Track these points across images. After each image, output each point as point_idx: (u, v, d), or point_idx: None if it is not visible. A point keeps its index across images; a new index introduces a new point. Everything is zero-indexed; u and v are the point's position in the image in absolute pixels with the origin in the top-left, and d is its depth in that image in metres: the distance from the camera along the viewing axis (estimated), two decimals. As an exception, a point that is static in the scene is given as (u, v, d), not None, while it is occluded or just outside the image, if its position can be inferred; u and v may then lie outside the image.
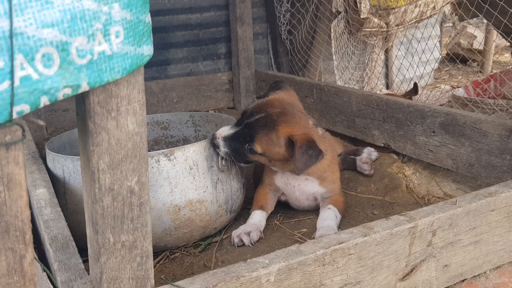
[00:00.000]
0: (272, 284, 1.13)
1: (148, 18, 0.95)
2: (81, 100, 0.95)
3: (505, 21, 2.08)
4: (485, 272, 1.48)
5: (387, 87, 4.39)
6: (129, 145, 0.98)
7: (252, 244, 1.70)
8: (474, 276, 1.47)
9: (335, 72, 3.66)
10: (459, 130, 2.00)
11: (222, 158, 1.78)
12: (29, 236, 0.83)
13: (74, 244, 1.26)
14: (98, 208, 0.98)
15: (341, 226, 1.85)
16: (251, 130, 1.71)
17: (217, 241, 1.83)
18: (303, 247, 1.20)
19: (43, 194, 1.54)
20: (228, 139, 1.74)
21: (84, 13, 0.83)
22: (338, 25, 3.60)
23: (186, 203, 1.71)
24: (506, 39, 2.63)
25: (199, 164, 1.73)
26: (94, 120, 0.93)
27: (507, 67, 5.65)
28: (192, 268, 1.69)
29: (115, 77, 0.89)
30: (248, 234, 1.70)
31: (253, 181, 2.20)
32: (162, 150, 1.66)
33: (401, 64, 3.89)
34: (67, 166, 1.70)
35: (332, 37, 3.56)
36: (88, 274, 1.12)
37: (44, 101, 0.81)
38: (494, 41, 5.27)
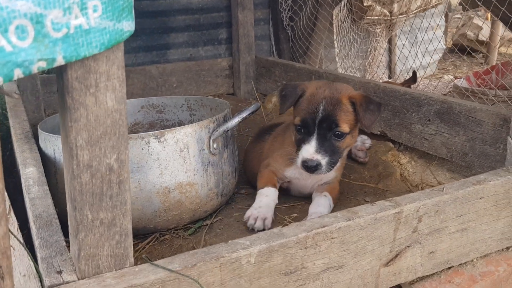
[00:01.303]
0: (252, 266, 1.13)
1: (129, -6, 0.94)
2: (59, 75, 0.94)
3: (503, 9, 2.05)
4: (472, 260, 1.48)
5: (389, 77, 4.37)
6: (108, 122, 0.97)
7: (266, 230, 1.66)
8: (460, 264, 1.46)
9: (336, 59, 3.63)
10: (454, 118, 1.99)
11: (213, 141, 1.77)
12: (1, 209, 0.83)
13: (58, 222, 1.26)
14: (76, 185, 0.97)
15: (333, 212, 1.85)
16: (329, 120, 1.70)
17: (207, 224, 1.83)
18: (286, 229, 1.19)
19: (32, 172, 1.54)
20: (320, 150, 1.69)
21: (60, -14, 0.82)
22: (340, 12, 3.57)
23: (176, 185, 1.70)
24: (505, 26, 2.59)
25: (190, 146, 1.72)
26: (72, 95, 0.92)
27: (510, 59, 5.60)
28: (181, 250, 1.69)
29: (93, 52, 0.89)
30: (264, 219, 1.67)
31: (245, 172, 2.17)
32: (152, 132, 1.65)
33: (401, 52, 3.85)
34: (58, 146, 1.70)
35: (333, 24, 3.53)
36: (69, 251, 1.12)
37: (18, 73, 0.80)
38: (502, 29, 5.21)
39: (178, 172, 1.70)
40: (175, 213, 1.73)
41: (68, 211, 1.05)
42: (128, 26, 0.94)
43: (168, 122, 2.35)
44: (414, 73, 2.71)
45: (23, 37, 0.79)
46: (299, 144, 1.75)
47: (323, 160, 1.69)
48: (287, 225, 1.66)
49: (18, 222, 1.39)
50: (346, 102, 1.73)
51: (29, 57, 0.80)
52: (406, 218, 1.30)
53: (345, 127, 1.71)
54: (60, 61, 0.84)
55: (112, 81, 0.95)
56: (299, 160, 1.72)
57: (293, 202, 1.95)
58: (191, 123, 2.30)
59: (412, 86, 2.69)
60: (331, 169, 1.73)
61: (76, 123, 0.94)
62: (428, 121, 2.11)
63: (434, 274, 1.43)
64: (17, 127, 2.00)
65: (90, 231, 1.01)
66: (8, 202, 1.37)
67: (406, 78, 2.79)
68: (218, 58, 3.57)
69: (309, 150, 1.70)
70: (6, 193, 0.97)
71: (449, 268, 1.45)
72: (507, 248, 1.53)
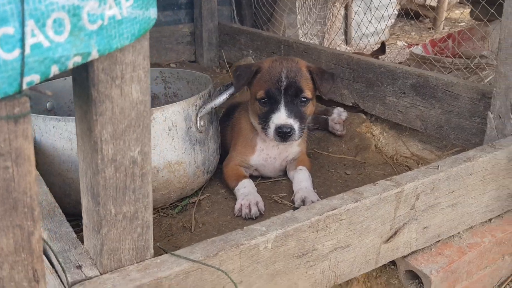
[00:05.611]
0: (269, 251, 1.14)
1: (153, -21, 0.89)
2: (81, 66, 0.89)
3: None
4: (459, 233, 1.55)
5: (346, 43, 4.41)
6: (133, 114, 0.94)
7: (262, 213, 1.66)
8: (449, 237, 1.54)
9: (299, 26, 3.62)
10: (430, 92, 2.04)
11: (200, 118, 1.75)
12: (37, 212, 0.79)
13: (60, 211, 1.21)
14: (100, 180, 0.94)
15: (317, 186, 1.88)
16: (293, 86, 1.75)
17: (194, 202, 1.82)
18: (298, 214, 1.21)
19: (17, 156, 1.46)
20: (290, 115, 1.73)
21: (94, -26, 0.76)
22: (302, -21, 3.54)
23: (165, 164, 1.67)
24: None
25: (178, 125, 1.69)
26: (98, 88, 0.88)
27: (458, 24, 5.78)
28: (171, 229, 1.68)
29: (124, 44, 0.84)
30: (256, 204, 1.67)
31: None
32: (141, 111, 1.60)
33: (353, 20, 3.89)
34: (38, 126, 1.62)
35: (296, -10, 3.50)
36: (82, 243, 1.09)
37: (54, 70, 0.75)
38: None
39: (166, 151, 1.67)
40: (163, 193, 1.71)
41: (85, 205, 1.01)
42: (153, 13, 0.90)
43: (141, 95, 2.28)
44: (383, 44, 2.75)
45: (60, 31, 0.74)
46: (265, 117, 1.76)
47: (295, 125, 1.73)
48: (280, 203, 1.68)
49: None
50: (305, 70, 1.81)
51: (65, 53, 0.75)
52: (406, 197, 1.35)
53: (308, 93, 1.78)
54: (94, 55, 0.80)
55: (137, 71, 0.91)
56: (271, 131, 1.74)
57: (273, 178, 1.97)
58: (166, 96, 2.25)
59: (380, 57, 2.73)
60: (300, 136, 1.77)
61: (101, 117, 0.90)
62: (403, 94, 2.16)
63: (425, 247, 1.49)
64: None
65: (113, 225, 0.98)
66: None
67: (374, 49, 2.82)
68: (179, 24, 3.47)
69: (281, 117, 1.73)
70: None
71: (438, 241, 1.52)
72: (490, 220, 1.62)
